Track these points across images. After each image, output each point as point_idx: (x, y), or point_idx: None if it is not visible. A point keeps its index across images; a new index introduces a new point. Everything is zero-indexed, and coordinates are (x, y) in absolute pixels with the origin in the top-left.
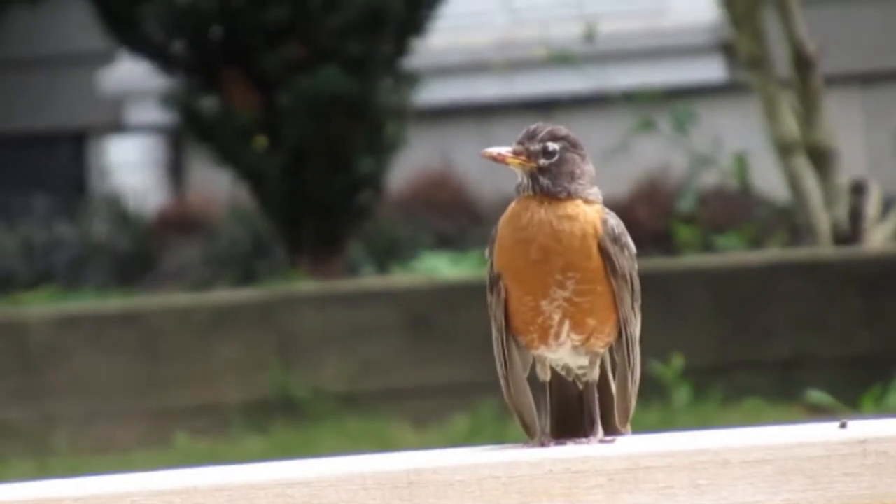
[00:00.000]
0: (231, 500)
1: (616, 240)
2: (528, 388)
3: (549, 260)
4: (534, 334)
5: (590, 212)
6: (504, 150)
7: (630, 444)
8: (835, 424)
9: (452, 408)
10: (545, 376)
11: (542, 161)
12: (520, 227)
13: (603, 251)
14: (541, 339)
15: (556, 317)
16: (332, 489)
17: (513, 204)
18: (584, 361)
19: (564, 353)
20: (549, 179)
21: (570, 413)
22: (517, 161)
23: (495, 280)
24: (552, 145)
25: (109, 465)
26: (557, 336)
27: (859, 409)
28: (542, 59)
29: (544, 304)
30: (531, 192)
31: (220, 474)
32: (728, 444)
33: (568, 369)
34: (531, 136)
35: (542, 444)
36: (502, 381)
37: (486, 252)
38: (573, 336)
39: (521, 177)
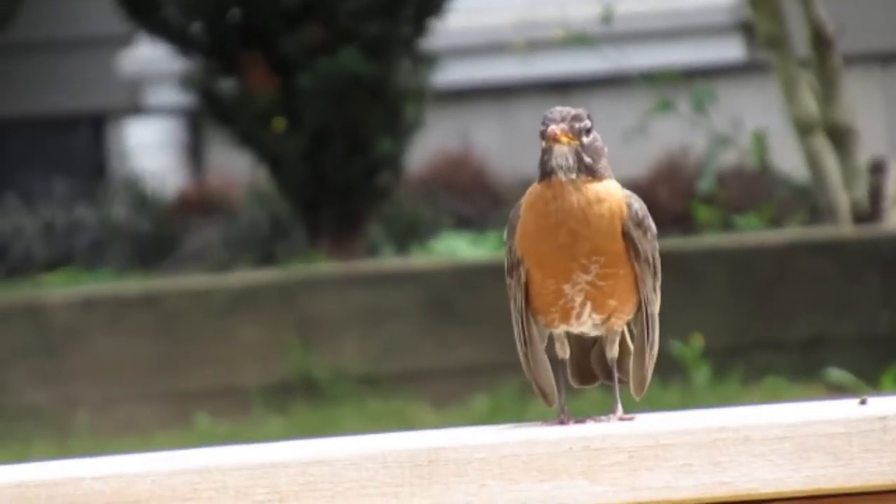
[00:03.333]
0: (252, 478)
1: (640, 223)
2: (546, 361)
3: (577, 244)
4: (555, 315)
5: (617, 193)
6: (557, 128)
7: (650, 422)
8: (855, 401)
9: (472, 388)
10: (564, 354)
11: (585, 139)
12: (548, 212)
13: (626, 235)
14: (562, 319)
15: (578, 299)
16: (353, 468)
17: (536, 186)
18: (604, 333)
19: (585, 329)
20: (591, 158)
21: (586, 363)
22: (567, 139)
23: (516, 264)
24: (589, 123)
25: (129, 446)
26: (579, 316)
27: (879, 388)
28: (560, 40)
29: (566, 287)
30: (575, 173)
31: (240, 453)
32: (748, 422)
33: (585, 335)
34: (576, 117)
35: (562, 423)
36: (522, 358)
37: (504, 235)
38: (594, 316)
39: (562, 158)
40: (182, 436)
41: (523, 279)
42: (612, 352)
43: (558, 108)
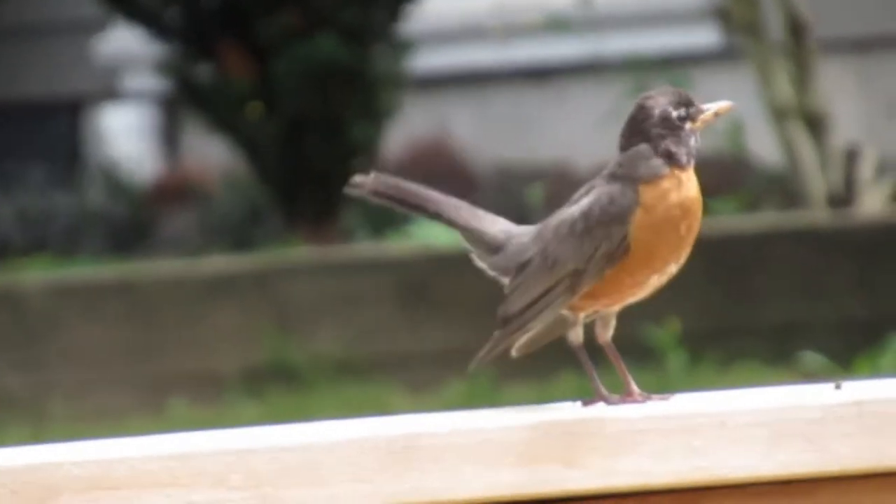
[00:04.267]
0: (228, 464)
1: None
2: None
3: (689, 237)
4: (607, 301)
5: None
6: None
7: (626, 408)
8: (830, 386)
9: (448, 374)
10: (579, 339)
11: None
12: (675, 203)
13: None
14: (607, 305)
15: (650, 290)
16: (329, 454)
17: (659, 174)
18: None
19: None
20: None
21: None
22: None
23: (615, 252)
24: None
25: (105, 432)
26: (626, 301)
27: (853, 373)
28: (537, 26)
29: (654, 278)
30: (691, 160)
31: (217, 439)
32: (724, 407)
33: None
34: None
35: (611, 402)
36: (517, 337)
37: (592, 220)
38: (628, 300)
39: (691, 144)
40: (157, 421)
41: (612, 266)
42: (608, 333)
43: (667, 87)
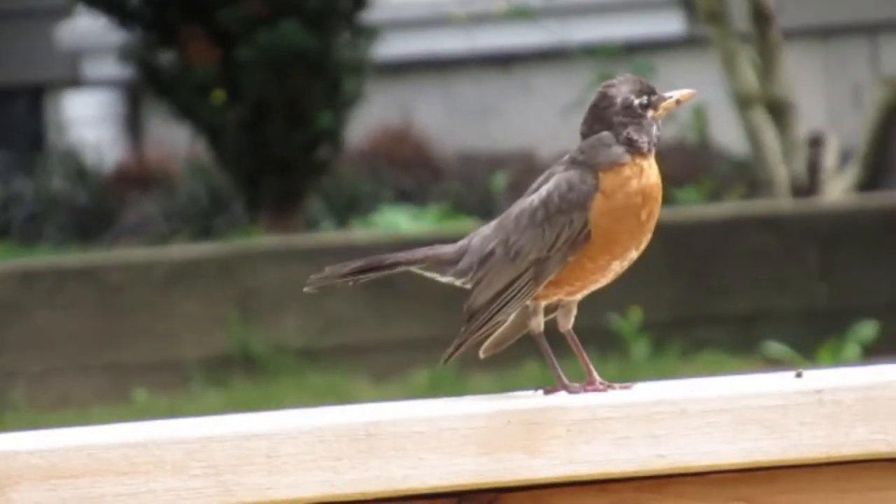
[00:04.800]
0: (188, 452)
1: None
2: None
3: (650, 223)
4: (571, 288)
5: None
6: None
7: (588, 396)
8: (791, 374)
9: (412, 363)
10: (540, 327)
11: None
12: (636, 190)
13: None
14: (571, 293)
15: (611, 276)
16: (291, 442)
17: (619, 161)
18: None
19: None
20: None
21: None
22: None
23: (575, 238)
24: None
25: (67, 420)
26: (587, 289)
27: (817, 362)
28: (502, 14)
29: (615, 263)
30: (653, 147)
31: (177, 427)
32: (685, 395)
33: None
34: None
35: (572, 391)
36: (489, 329)
37: (551, 208)
38: (591, 287)
39: (653, 132)
40: (120, 409)
41: (570, 258)
42: (570, 322)
43: (629, 76)
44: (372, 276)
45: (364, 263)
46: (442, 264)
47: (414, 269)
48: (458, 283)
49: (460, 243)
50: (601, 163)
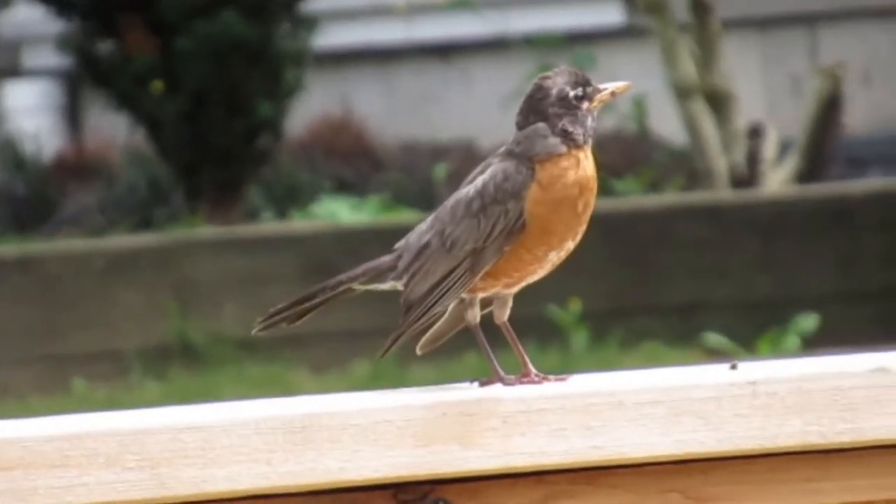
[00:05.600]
0: (123, 445)
1: None
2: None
3: (586, 213)
4: (509, 280)
5: None
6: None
7: (523, 388)
8: (726, 366)
9: (352, 353)
10: (476, 319)
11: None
12: (573, 181)
13: None
14: (509, 285)
15: (549, 267)
16: (226, 434)
17: (556, 152)
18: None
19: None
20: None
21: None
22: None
23: (511, 228)
24: None
25: (5, 411)
26: (524, 281)
27: (756, 352)
28: (442, 4)
29: (552, 254)
30: (588, 139)
31: (112, 420)
32: (621, 387)
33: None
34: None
35: (508, 383)
36: (423, 321)
37: (487, 198)
38: (529, 279)
39: (588, 123)
40: (59, 400)
41: (507, 248)
42: (505, 314)
43: (564, 67)
44: (319, 303)
45: (308, 292)
46: (382, 273)
47: (356, 285)
48: (399, 286)
49: (397, 246)
50: (538, 153)
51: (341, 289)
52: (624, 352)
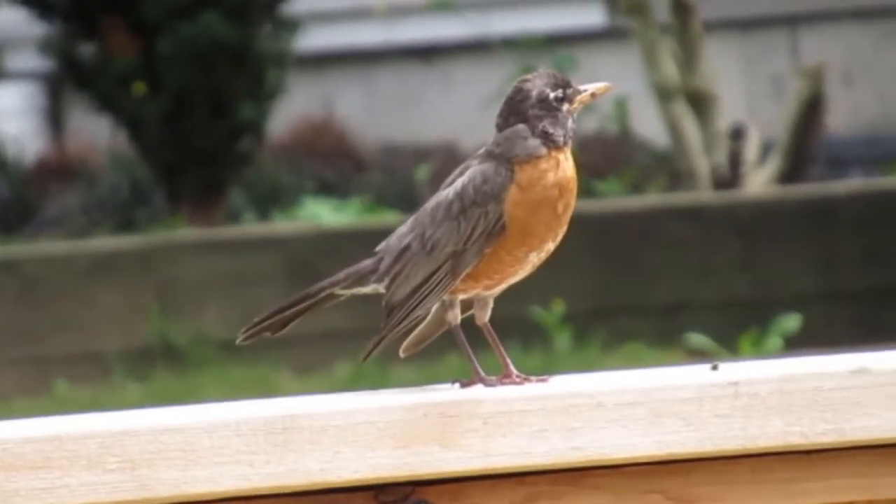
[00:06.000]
0: (103, 446)
1: None
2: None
3: (566, 214)
4: (489, 282)
5: None
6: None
7: (504, 389)
8: (707, 367)
9: (334, 354)
10: (457, 320)
11: None
12: (553, 182)
13: None
14: (489, 286)
15: (529, 268)
16: (206, 435)
17: (536, 153)
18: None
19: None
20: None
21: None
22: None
23: (492, 230)
24: None
25: None
26: (505, 282)
27: (738, 352)
28: (423, 5)
29: (532, 255)
30: (569, 140)
31: (92, 421)
32: (602, 388)
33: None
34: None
35: (489, 384)
36: (404, 325)
37: (466, 200)
38: (510, 280)
39: (568, 125)
40: (41, 402)
41: (487, 249)
42: (486, 315)
43: (544, 70)
44: (303, 311)
45: (290, 300)
46: (364, 277)
47: (339, 290)
48: (381, 288)
49: (378, 249)
50: (518, 155)
51: (324, 294)
52: (606, 353)
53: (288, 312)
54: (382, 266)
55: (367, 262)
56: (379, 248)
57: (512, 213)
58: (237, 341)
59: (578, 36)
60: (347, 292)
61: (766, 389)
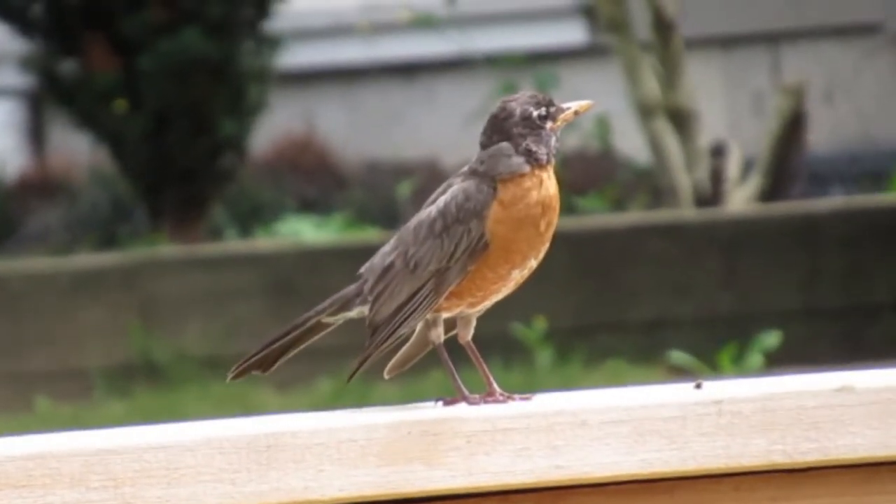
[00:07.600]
0: (86, 465)
1: None
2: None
3: (548, 232)
4: (473, 300)
5: None
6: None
7: (487, 407)
8: (690, 385)
9: (316, 371)
10: (440, 338)
11: None
12: (536, 201)
13: None
14: (473, 304)
15: (512, 285)
16: (190, 454)
17: (519, 171)
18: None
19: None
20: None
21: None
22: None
23: (474, 248)
24: None
25: None
26: (488, 300)
27: (719, 369)
28: (405, 23)
29: (515, 272)
30: (552, 158)
31: (75, 439)
32: (585, 406)
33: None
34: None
35: (472, 402)
36: (390, 343)
37: (449, 219)
38: (493, 298)
39: (552, 143)
40: (22, 419)
41: (471, 267)
42: (469, 333)
43: (524, 92)
44: (292, 343)
45: (278, 333)
46: (349, 301)
47: (325, 318)
48: (366, 311)
49: (361, 272)
50: (501, 173)
51: (310, 324)
52: (588, 369)
53: (277, 345)
54: (366, 287)
55: (352, 288)
56: (362, 270)
57: (494, 231)
58: (227, 379)
59: (560, 53)
60: (334, 319)
61: (750, 408)
